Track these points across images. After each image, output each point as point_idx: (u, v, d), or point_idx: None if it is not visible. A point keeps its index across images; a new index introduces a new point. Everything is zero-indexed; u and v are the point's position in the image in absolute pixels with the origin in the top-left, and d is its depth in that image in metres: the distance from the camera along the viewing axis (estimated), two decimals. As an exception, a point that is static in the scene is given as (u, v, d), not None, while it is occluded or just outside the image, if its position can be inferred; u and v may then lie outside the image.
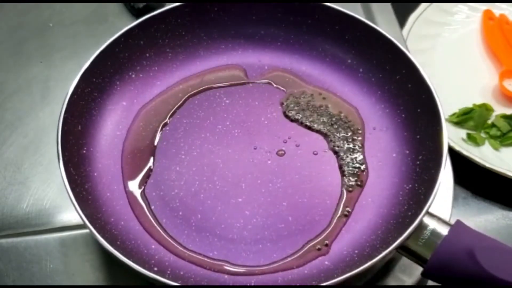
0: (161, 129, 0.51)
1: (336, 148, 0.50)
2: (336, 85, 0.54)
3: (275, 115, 0.52)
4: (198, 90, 0.54)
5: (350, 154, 0.49)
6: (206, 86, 0.54)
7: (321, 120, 0.52)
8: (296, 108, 0.52)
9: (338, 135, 0.50)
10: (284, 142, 0.50)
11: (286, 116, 0.52)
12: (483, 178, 0.60)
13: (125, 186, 0.48)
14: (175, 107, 0.53)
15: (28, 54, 0.62)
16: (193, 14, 0.55)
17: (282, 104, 0.53)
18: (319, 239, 0.45)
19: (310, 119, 0.51)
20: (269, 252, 0.44)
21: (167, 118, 0.52)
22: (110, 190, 0.47)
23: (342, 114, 0.52)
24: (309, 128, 0.51)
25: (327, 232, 0.45)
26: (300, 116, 0.52)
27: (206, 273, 0.43)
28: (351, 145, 0.50)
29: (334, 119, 0.52)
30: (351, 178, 0.48)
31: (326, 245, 0.44)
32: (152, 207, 0.47)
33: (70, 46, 0.63)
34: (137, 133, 0.51)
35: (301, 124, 0.51)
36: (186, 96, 0.54)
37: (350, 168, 0.48)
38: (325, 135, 0.51)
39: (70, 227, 0.49)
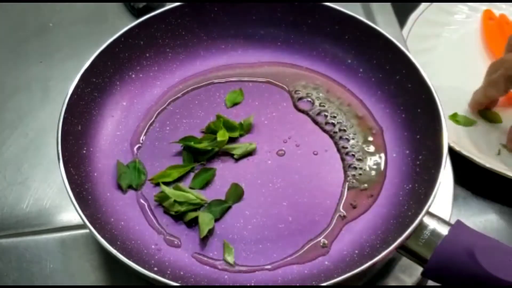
0: (162, 129, 0.51)
1: (340, 147, 0.50)
2: (336, 85, 0.54)
3: (275, 115, 0.52)
4: (197, 87, 0.54)
5: (353, 154, 0.49)
6: (206, 83, 0.55)
7: (324, 118, 0.52)
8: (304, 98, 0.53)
9: (340, 134, 0.50)
10: (284, 142, 0.50)
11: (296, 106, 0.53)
12: (483, 178, 0.60)
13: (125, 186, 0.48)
14: (175, 107, 0.53)
15: (28, 54, 0.62)
16: (193, 14, 0.55)
17: (291, 93, 0.53)
18: (319, 239, 0.45)
19: (316, 115, 0.52)
20: (269, 252, 0.44)
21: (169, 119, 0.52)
22: (110, 190, 0.47)
23: (342, 113, 0.52)
24: (316, 123, 0.51)
25: (327, 232, 0.45)
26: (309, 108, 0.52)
27: (206, 273, 0.43)
28: (353, 144, 0.50)
29: (335, 117, 0.52)
30: (354, 180, 0.48)
31: (326, 245, 0.44)
32: (152, 207, 0.47)
33: (70, 46, 0.63)
34: (137, 133, 0.51)
35: (309, 116, 0.52)
36: (186, 96, 0.54)
37: (352, 169, 0.48)
38: (328, 134, 0.51)
39: (70, 227, 0.49)
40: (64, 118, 0.45)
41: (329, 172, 0.49)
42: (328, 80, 0.55)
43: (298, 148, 0.50)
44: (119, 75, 0.52)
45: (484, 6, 0.74)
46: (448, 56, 0.70)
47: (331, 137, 0.51)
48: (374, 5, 0.67)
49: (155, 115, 0.52)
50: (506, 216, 0.59)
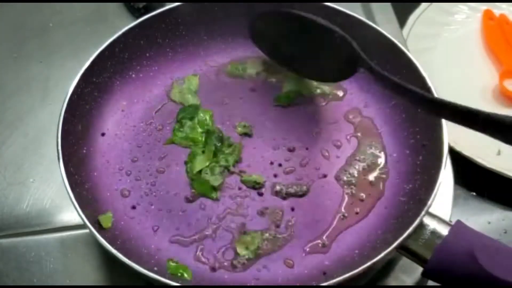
0: (162, 129, 0.51)
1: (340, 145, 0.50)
2: (336, 84, 0.54)
3: (275, 115, 0.52)
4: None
5: (353, 153, 0.49)
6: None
7: (325, 118, 0.52)
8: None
9: (341, 134, 0.51)
10: (284, 142, 0.50)
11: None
12: (483, 178, 0.60)
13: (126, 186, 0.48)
14: (175, 107, 0.53)
15: (28, 54, 0.62)
16: (193, 14, 0.55)
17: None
18: (319, 239, 0.45)
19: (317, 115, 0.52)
20: (269, 252, 0.44)
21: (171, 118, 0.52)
22: (110, 190, 0.47)
23: (343, 113, 0.52)
24: (317, 122, 0.51)
25: (327, 232, 0.45)
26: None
27: (206, 273, 0.43)
28: (353, 144, 0.50)
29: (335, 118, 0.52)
30: (354, 180, 0.48)
31: (326, 245, 0.44)
32: (152, 207, 0.47)
33: (70, 46, 0.63)
34: (137, 133, 0.51)
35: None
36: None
37: (353, 169, 0.48)
38: (328, 133, 0.51)
39: (70, 227, 0.49)
40: (64, 118, 0.45)
41: (329, 172, 0.48)
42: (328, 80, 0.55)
43: (298, 148, 0.50)
44: (119, 75, 0.52)
45: (484, 6, 0.74)
46: (448, 56, 0.70)
47: (332, 136, 0.51)
48: (374, 5, 0.67)
49: (154, 115, 0.52)
50: (506, 216, 0.59)
